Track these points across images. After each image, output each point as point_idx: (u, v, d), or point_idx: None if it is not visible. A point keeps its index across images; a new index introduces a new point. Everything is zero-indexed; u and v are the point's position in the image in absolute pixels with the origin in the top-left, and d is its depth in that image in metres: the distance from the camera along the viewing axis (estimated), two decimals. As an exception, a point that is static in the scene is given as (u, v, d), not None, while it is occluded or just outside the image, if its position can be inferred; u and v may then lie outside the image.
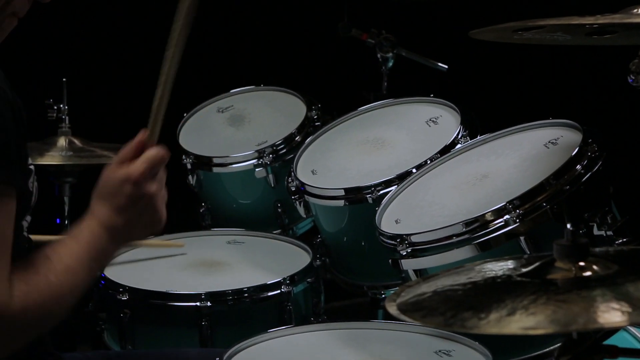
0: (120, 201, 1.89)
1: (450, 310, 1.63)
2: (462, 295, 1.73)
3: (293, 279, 2.58)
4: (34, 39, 2.15)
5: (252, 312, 2.54)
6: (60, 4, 2.05)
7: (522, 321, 1.53)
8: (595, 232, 2.10)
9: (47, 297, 1.83)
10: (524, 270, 1.76)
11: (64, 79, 2.89)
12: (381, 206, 2.53)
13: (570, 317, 1.53)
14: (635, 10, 2.03)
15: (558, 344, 2.20)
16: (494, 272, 1.84)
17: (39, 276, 1.83)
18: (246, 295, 2.54)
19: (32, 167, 2.05)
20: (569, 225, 1.73)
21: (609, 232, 1.99)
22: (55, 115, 2.94)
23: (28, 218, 2.11)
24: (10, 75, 2.23)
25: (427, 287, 1.82)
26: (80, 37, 4.10)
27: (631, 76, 1.99)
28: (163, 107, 1.96)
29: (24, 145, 1.93)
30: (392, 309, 1.69)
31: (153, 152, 1.89)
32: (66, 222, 3.15)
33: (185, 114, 3.27)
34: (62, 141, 3.02)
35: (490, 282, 1.77)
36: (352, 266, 2.81)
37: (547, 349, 2.26)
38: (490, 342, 2.15)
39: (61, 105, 2.94)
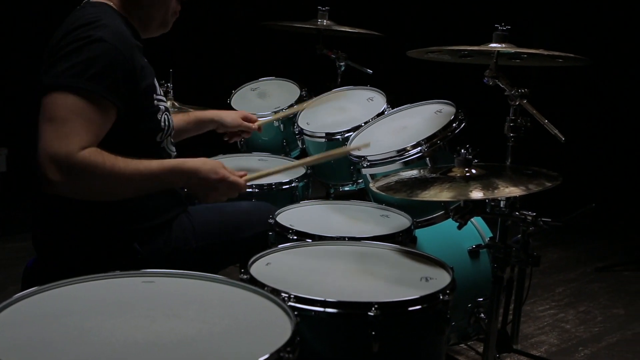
0: (204, 177, 1.83)
1: (408, 189, 1.78)
2: (412, 183, 1.86)
3: (298, 179, 2.60)
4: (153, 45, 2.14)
5: (277, 195, 2.52)
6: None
7: (445, 195, 1.71)
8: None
9: (101, 171, 1.65)
10: (438, 173, 1.92)
11: (170, 70, 2.88)
12: (349, 142, 2.53)
13: (466, 193, 1.75)
14: (487, 44, 2.05)
15: (440, 212, 2.25)
16: (420, 175, 1.98)
17: (111, 158, 1.67)
18: (274, 187, 2.53)
19: (161, 106, 1.92)
20: (463, 151, 1.95)
21: (470, 156, 1.95)
22: (166, 89, 2.90)
23: (172, 148, 2.01)
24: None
25: (387, 181, 1.96)
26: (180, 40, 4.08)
27: (485, 78, 2.03)
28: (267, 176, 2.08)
29: (139, 88, 1.79)
30: (376, 189, 1.87)
31: (241, 182, 1.90)
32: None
33: (233, 91, 3.25)
34: (169, 103, 2.91)
35: (423, 178, 1.90)
36: (323, 173, 2.81)
37: (436, 214, 2.27)
38: (407, 209, 2.20)
39: (169, 84, 2.91)
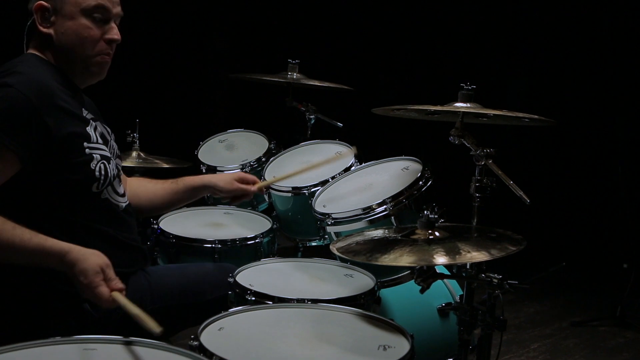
0: (78, 278, 1.65)
1: (368, 253, 1.75)
2: (372, 245, 1.84)
3: (263, 234, 2.55)
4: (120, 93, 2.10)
5: (241, 251, 2.48)
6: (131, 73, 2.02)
7: (406, 259, 1.67)
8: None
9: None
10: (400, 235, 1.89)
11: (137, 120, 2.85)
12: (314, 198, 2.51)
13: (427, 257, 1.71)
14: (453, 103, 2.03)
15: (405, 272, 2.24)
16: (383, 235, 1.95)
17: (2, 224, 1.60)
18: (238, 242, 2.48)
19: (96, 154, 1.83)
20: (426, 212, 1.90)
21: (435, 216, 1.88)
22: (131, 139, 2.90)
23: (119, 198, 1.93)
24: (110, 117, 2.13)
25: (348, 241, 1.92)
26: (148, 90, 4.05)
27: (450, 137, 2.00)
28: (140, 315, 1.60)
29: (56, 136, 1.72)
30: (337, 251, 1.83)
31: (105, 298, 1.65)
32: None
33: (201, 142, 3.22)
34: (134, 153, 2.99)
35: (385, 240, 1.87)
36: (290, 228, 2.78)
37: (402, 274, 2.25)
38: (372, 268, 2.13)
39: (135, 134, 2.89)
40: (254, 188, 2.42)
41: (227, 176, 2.43)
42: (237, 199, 2.44)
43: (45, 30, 1.87)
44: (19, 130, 1.66)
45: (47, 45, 1.88)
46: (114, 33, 1.92)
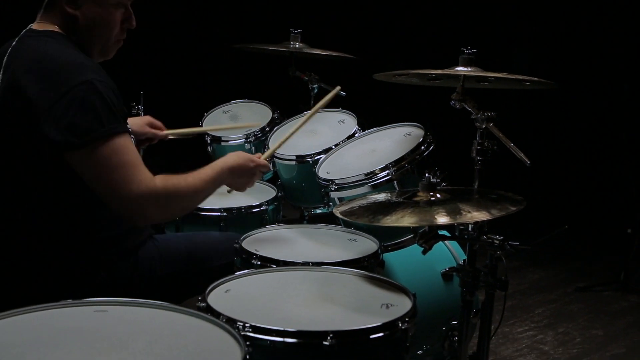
0: (244, 167, 2.05)
1: (371, 215, 1.76)
2: (375, 208, 1.85)
3: (268, 202, 2.60)
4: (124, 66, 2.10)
5: (246, 219, 2.52)
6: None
7: (408, 220, 1.69)
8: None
9: (176, 191, 1.80)
10: (402, 197, 1.90)
11: (141, 92, 2.86)
12: (318, 165, 2.53)
13: (429, 218, 1.73)
14: (454, 68, 2.03)
15: (410, 235, 2.24)
16: (385, 198, 1.96)
17: (179, 177, 1.82)
18: (243, 210, 2.53)
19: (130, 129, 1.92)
20: (427, 174, 1.92)
21: (437, 179, 1.91)
22: (136, 111, 2.84)
23: None
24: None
25: (351, 205, 1.94)
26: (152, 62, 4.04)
27: (452, 101, 2.00)
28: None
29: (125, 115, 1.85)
30: (339, 214, 1.85)
31: (266, 164, 2.15)
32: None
33: (205, 113, 3.23)
34: None
35: (387, 202, 1.89)
36: (295, 196, 2.81)
37: (405, 238, 2.27)
38: (376, 233, 2.17)
39: (139, 106, 2.86)
40: (161, 134, 2.55)
41: (138, 119, 2.53)
42: (143, 142, 2.53)
43: (71, 11, 1.86)
44: (123, 116, 1.79)
45: (71, 25, 1.87)
46: (133, 20, 1.96)
